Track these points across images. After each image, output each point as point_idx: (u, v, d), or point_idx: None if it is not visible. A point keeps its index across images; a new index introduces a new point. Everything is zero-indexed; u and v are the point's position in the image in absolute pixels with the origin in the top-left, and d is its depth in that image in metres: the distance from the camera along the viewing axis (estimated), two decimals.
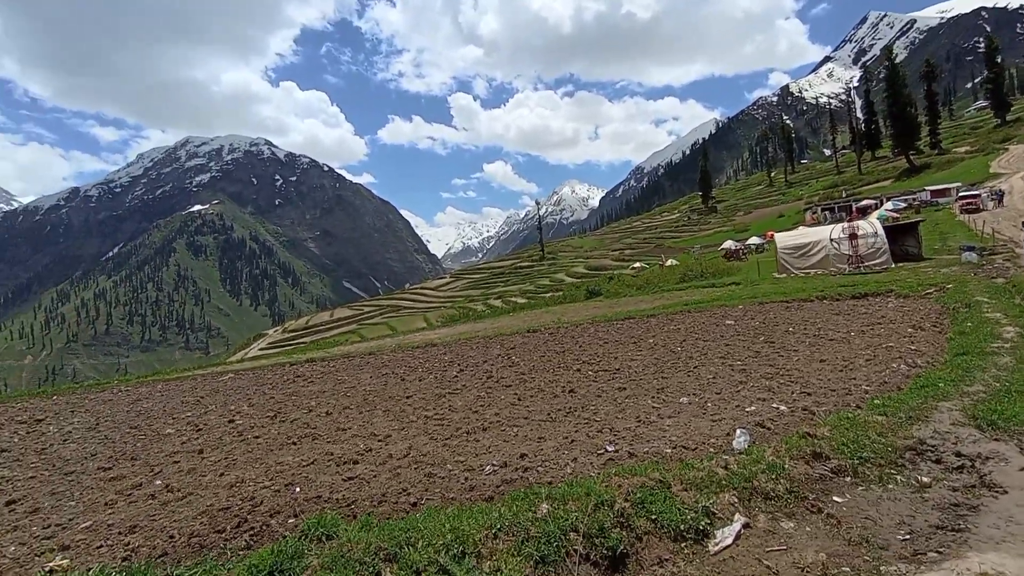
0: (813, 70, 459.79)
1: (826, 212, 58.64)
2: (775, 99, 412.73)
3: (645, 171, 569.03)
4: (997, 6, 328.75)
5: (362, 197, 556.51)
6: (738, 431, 5.01)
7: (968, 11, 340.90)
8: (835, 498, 3.65)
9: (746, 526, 3.40)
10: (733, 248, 47.08)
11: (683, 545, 3.19)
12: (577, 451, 5.10)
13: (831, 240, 21.19)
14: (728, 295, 18.86)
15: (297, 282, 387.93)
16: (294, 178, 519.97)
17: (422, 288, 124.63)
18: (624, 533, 3.19)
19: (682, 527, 3.28)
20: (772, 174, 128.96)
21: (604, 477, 3.99)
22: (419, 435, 6.10)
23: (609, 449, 5.04)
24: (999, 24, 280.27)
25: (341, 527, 3.46)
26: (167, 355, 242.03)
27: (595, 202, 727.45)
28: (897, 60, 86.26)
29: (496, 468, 4.79)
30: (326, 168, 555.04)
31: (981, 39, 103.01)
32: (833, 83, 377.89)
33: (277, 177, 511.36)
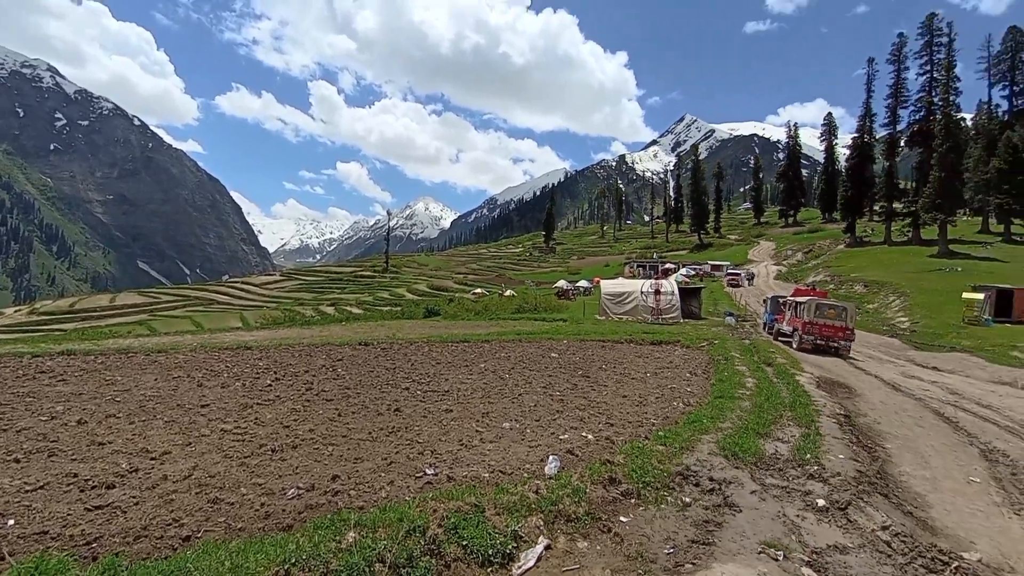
0: (644, 147, 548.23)
1: (640, 268, 69.19)
2: (613, 164, 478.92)
3: (498, 203, 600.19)
4: (764, 135, 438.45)
5: (182, 166, 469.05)
6: (551, 457, 5.39)
7: (747, 134, 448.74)
8: (622, 518, 4.13)
9: (548, 548, 3.62)
10: (565, 288, 51.98)
11: (489, 570, 3.23)
12: (395, 473, 4.89)
13: (641, 292, 24.93)
14: (555, 330, 20.61)
15: (66, 252, 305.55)
16: (86, 123, 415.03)
17: (244, 282, 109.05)
18: (433, 561, 3.10)
19: (490, 552, 3.33)
20: (604, 228, 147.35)
21: (420, 501, 3.88)
22: (210, 452, 5.17)
23: (428, 472, 4.94)
24: (764, 149, 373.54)
25: (71, 573, 2.67)
26: None
27: (447, 223, 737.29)
28: (702, 158, 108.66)
29: (301, 492, 4.29)
30: (136, 121, 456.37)
31: (752, 157, 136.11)
32: (656, 163, 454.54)
33: (59, 116, 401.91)
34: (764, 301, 26.10)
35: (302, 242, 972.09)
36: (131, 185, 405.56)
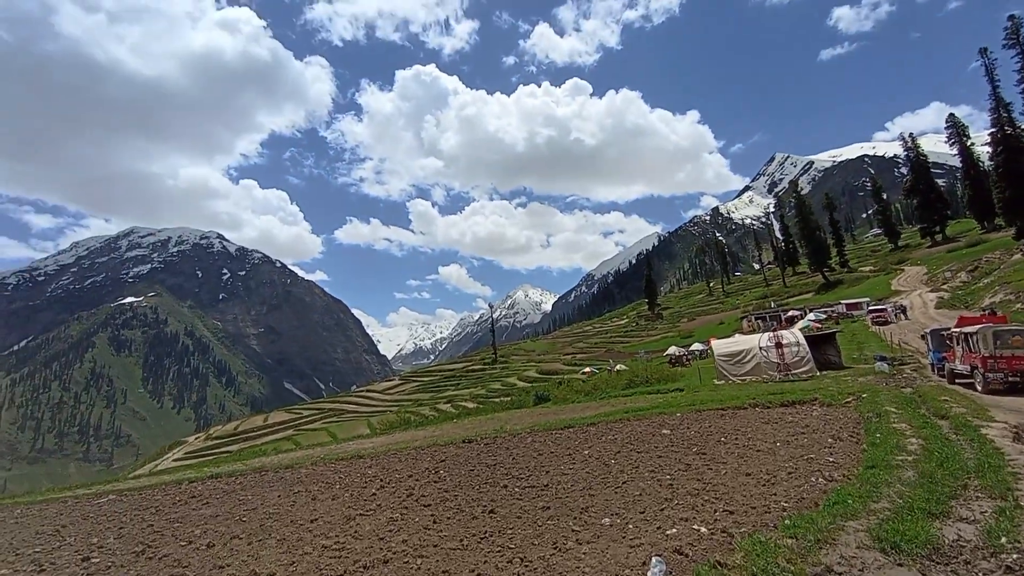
0: (737, 195, 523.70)
1: (759, 321, 62.78)
2: (707, 218, 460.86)
3: (595, 278, 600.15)
4: (876, 154, 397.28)
5: (313, 294, 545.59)
6: (653, 560, 4.68)
7: (855, 157, 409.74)
8: None
9: None
10: (677, 354, 48.64)
11: None
12: None
13: (760, 348, 22.37)
14: (669, 402, 19.00)
15: (232, 382, 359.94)
16: (243, 272, 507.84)
17: (369, 391, 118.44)
18: None
19: None
20: (711, 284, 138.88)
21: None
22: (311, 571, 5.29)
23: None
24: (880, 168, 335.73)
25: None
26: (59, 468, 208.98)
27: (548, 306, 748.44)
28: (804, 192, 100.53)
29: None
30: (278, 264, 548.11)
31: (867, 179, 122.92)
32: (754, 208, 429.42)
33: (225, 271, 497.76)
34: (923, 337, 21.82)
35: (416, 345, 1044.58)
36: (276, 317, 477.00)
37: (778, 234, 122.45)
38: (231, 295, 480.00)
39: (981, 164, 68.88)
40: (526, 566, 4.95)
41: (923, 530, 4.46)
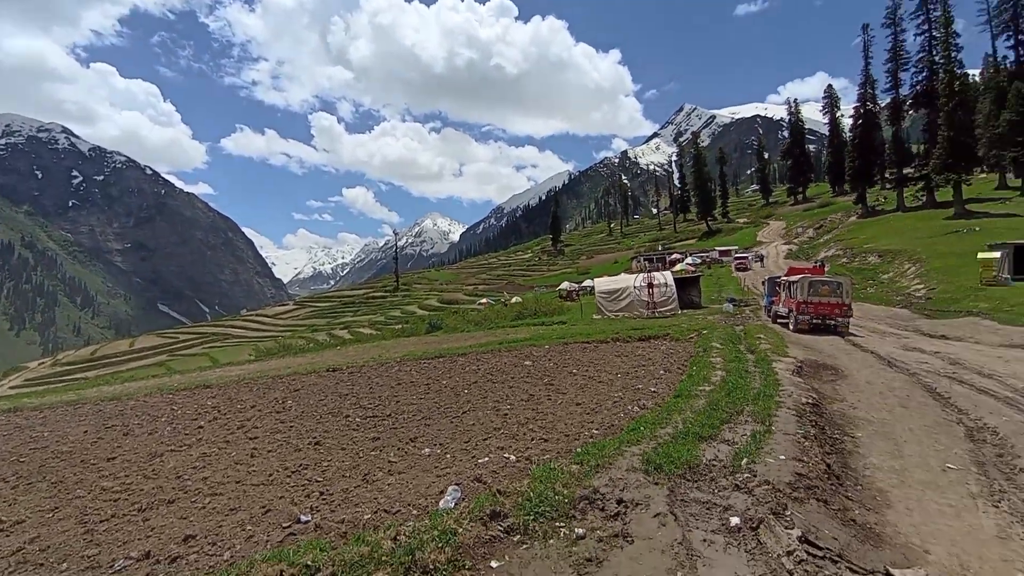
0: (646, 141, 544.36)
1: (646, 262, 67.91)
2: (616, 160, 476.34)
3: (505, 211, 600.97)
4: (767, 115, 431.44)
5: (194, 208, 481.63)
6: (450, 489, 4.81)
7: (749, 116, 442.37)
8: (493, 563, 3.53)
9: None
10: (568, 289, 51.17)
11: None
12: (264, 525, 4.36)
13: (634, 287, 24.13)
14: (544, 334, 19.96)
15: (90, 302, 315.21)
16: (101, 177, 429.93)
17: (259, 315, 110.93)
18: None
19: None
20: (612, 225, 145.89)
21: (247, 566, 3.34)
22: (69, 518, 4.72)
23: (302, 520, 4.41)
24: (767, 129, 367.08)
25: None
26: None
27: (455, 237, 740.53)
28: (703, 145, 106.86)
29: (133, 562, 3.79)
30: (148, 171, 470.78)
31: (756, 139, 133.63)
32: (659, 155, 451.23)
33: (76, 174, 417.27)
34: (763, 283, 25.00)
35: (315, 269, 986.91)
36: (147, 231, 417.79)
37: (676, 182, 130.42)
38: (85, 202, 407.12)
39: (844, 135, 77.68)
40: (323, 500, 4.85)
41: (687, 452, 5.04)
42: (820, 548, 3.44)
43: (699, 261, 57.69)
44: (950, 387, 8.62)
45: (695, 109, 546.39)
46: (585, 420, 7.11)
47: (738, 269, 47.48)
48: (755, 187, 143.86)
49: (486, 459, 5.76)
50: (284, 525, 4.29)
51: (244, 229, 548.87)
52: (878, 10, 53.50)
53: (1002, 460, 5.62)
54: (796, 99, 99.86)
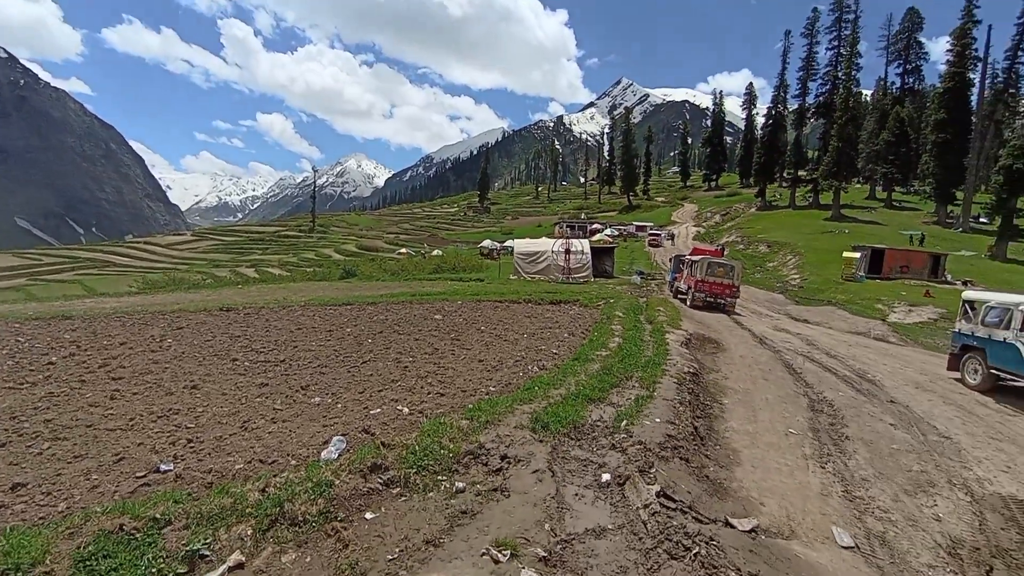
0: (582, 109, 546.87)
1: (569, 228, 69.61)
2: (551, 124, 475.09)
3: (434, 161, 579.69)
4: (695, 102, 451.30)
5: (66, 108, 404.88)
6: (335, 440, 4.65)
7: (679, 100, 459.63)
8: (367, 515, 3.49)
9: (238, 567, 2.88)
10: (490, 247, 51.20)
11: None
12: (115, 473, 3.94)
13: (552, 252, 24.65)
14: (460, 290, 19.84)
15: None
16: None
17: (148, 243, 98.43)
18: None
19: None
20: (540, 189, 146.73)
21: (82, 518, 2.98)
22: None
23: (162, 469, 4.04)
24: (694, 115, 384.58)
25: None
26: None
27: (380, 181, 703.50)
28: (635, 121, 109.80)
29: None
30: (3, 53, 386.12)
31: (682, 123, 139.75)
32: (593, 125, 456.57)
33: None
34: (670, 260, 26.78)
35: (220, 199, 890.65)
36: (2, 130, 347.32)
37: (606, 155, 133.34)
38: None
39: (756, 131, 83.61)
40: (191, 448, 4.48)
41: (575, 413, 5.31)
42: (675, 501, 3.81)
43: (616, 233, 60.31)
44: (803, 364, 9.92)
45: (631, 84, 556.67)
46: (485, 377, 7.21)
47: (651, 245, 50.35)
48: (676, 169, 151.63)
49: (378, 410, 5.65)
50: (139, 475, 3.90)
51: (132, 143, 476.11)
52: (803, 19, 56.95)
53: (833, 428, 6.60)
54: (722, 91, 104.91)
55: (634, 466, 4.15)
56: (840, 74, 51.46)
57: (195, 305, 13.35)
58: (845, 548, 3.93)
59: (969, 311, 9.24)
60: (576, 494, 3.84)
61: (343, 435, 4.77)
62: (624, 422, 5.20)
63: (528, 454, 4.37)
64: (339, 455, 4.36)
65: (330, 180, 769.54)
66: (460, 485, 3.88)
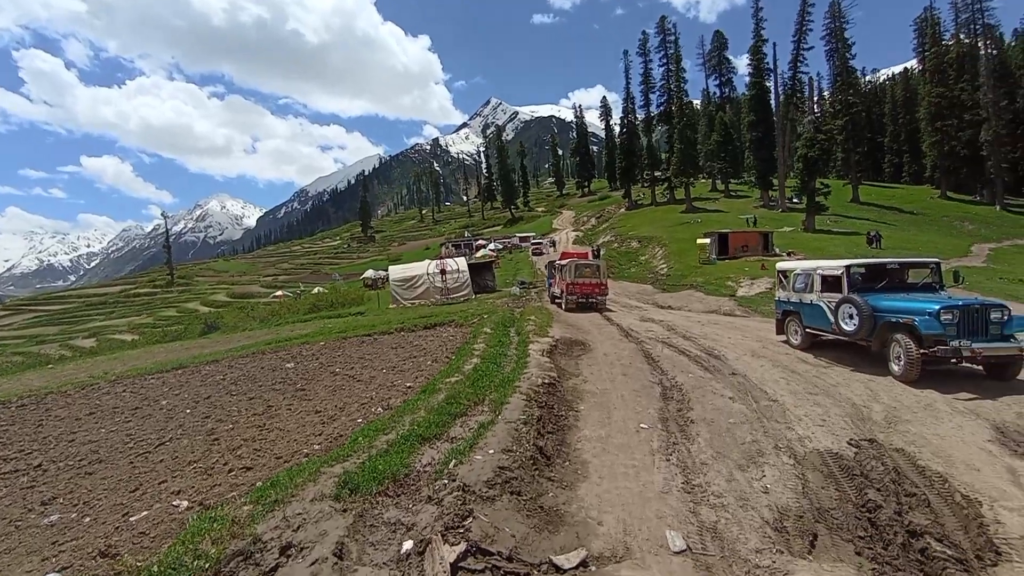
0: (456, 130, 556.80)
1: (454, 247, 69.24)
2: (428, 147, 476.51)
3: (310, 194, 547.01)
4: (560, 116, 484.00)
5: None
6: None
7: (546, 115, 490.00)
8: None
9: None
10: (373, 277, 48.82)
11: None
12: None
13: (427, 274, 23.83)
14: (331, 328, 18.15)
15: None
16: None
17: None
18: None
19: None
20: (423, 212, 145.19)
21: None
22: None
23: None
24: (560, 129, 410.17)
25: None
26: None
27: (251, 221, 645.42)
28: (508, 138, 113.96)
29: None
30: None
31: (550, 136, 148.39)
32: (469, 144, 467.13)
33: None
34: (545, 267, 27.46)
35: (42, 262, 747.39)
36: None
37: (484, 171, 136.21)
38: None
39: (616, 139, 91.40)
40: None
41: (399, 461, 4.56)
42: (489, 555, 3.22)
43: (501, 247, 61.28)
44: (661, 351, 10.26)
45: (500, 104, 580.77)
46: (313, 433, 6.17)
47: (534, 254, 51.80)
48: (552, 180, 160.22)
49: (145, 513, 4.37)
50: None
51: None
52: (637, 40, 63.89)
53: (680, 414, 6.64)
54: (581, 105, 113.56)
55: (445, 522, 3.49)
56: (672, 86, 58.15)
57: None
58: (677, 553, 3.65)
59: (783, 280, 10.28)
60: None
61: (62, 570, 3.48)
62: (452, 462, 4.56)
63: (320, 534, 3.51)
64: None
65: (189, 225, 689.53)
66: None
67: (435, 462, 4.68)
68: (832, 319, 8.53)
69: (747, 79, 51.55)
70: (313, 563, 3.17)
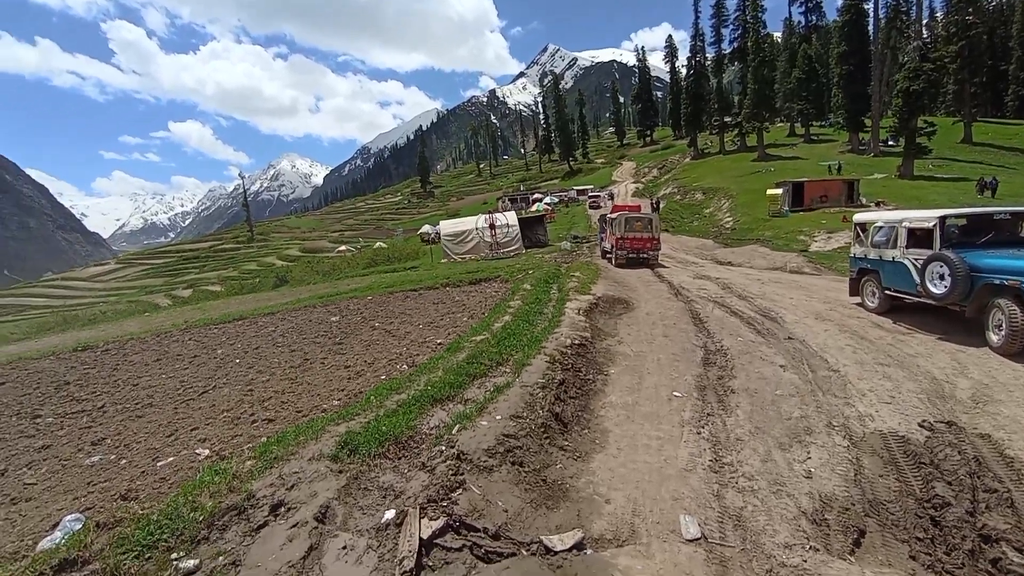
0: (513, 80, 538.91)
1: (510, 202, 68.41)
2: (484, 99, 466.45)
3: (372, 152, 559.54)
4: (622, 61, 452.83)
5: None
6: (66, 520, 3.59)
7: (607, 60, 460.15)
8: None
9: None
10: (430, 232, 49.55)
11: None
12: None
13: (477, 229, 23.64)
14: (383, 283, 18.64)
15: None
16: None
17: (68, 278, 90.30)
18: None
19: None
20: (481, 166, 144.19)
21: None
22: None
23: None
24: (622, 74, 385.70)
25: None
26: None
27: (319, 179, 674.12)
28: (566, 87, 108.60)
29: None
30: None
31: (611, 83, 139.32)
32: (526, 95, 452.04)
33: None
34: (598, 221, 26.30)
35: (147, 221, 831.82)
36: None
37: (542, 123, 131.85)
38: None
39: (681, 83, 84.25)
40: None
41: (405, 423, 4.44)
42: (473, 531, 3.00)
43: (556, 200, 59.67)
44: (711, 312, 9.47)
45: (559, 50, 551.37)
46: (337, 388, 6.24)
47: (591, 207, 50.01)
48: (612, 129, 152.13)
49: (171, 459, 4.59)
50: None
51: (28, 171, 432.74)
52: None
53: (720, 383, 6.05)
54: (644, 47, 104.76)
55: (425, 495, 3.31)
56: (748, 17, 51.83)
57: (47, 349, 11.61)
58: (689, 542, 3.27)
59: (861, 233, 8.96)
60: (344, 547, 2.97)
61: (86, 510, 3.70)
62: (457, 426, 4.36)
63: (311, 495, 3.46)
64: (57, 544, 3.30)
65: (264, 185, 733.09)
66: (191, 564, 2.92)
67: (441, 425, 4.52)
68: (917, 279, 7.34)
69: (840, 1, 44.77)
70: (294, 526, 3.11)
